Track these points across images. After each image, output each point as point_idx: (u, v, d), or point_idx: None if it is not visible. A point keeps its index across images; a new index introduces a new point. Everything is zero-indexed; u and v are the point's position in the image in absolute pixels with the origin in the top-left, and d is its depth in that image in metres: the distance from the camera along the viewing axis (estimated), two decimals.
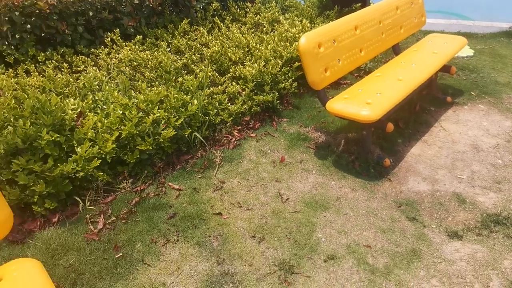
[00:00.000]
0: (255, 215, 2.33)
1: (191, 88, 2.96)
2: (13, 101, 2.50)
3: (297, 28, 3.86)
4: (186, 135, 2.76)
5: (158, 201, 2.42)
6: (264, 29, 4.11)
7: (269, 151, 2.89)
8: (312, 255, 2.09)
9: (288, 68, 3.44)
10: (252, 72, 3.21)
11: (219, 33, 4.02)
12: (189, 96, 2.87)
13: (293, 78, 3.44)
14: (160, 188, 2.52)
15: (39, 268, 1.49)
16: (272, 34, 3.85)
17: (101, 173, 2.42)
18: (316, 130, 3.12)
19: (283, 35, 3.78)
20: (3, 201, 1.50)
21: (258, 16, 4.37)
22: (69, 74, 3.24)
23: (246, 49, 3.64)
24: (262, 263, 2.04)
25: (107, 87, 2.79)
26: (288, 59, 3.48)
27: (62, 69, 3.30)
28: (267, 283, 1.94)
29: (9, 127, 2.35)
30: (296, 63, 3.46)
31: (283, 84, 3.34)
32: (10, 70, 3.22)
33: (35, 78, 2.99)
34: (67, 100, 2.58)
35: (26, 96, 2.56)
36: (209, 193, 2.50)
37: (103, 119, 2.51)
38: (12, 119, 2.39)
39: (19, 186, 2.26)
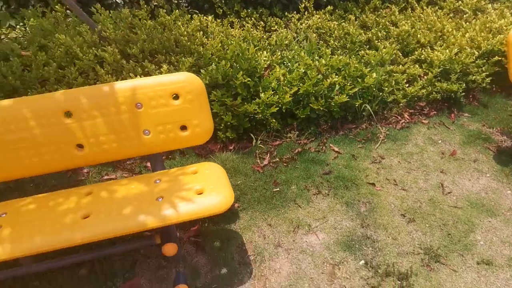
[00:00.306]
0: (410, 197, 2.34)
1: (372, 62, 3.04)
2: (219, 45, 3.04)
3: (506, 19, 3.47)
4: (356, 105, 2.88)
5: (317, 156, 2.66)
6: (465, 16, 3.82)
7: (439, 141, 2.78)
8: (464, 253, 2.01)
9: (484, 61, 3.16)
10: (440, 58, 3.08)
11: (411, 14, 3.93)
12: (368, 69, 2.96)
13: (487, 72, 3.15)
14: (321, 147, 2.74)
15: (224, 173, 1.88)
16: (474, 23, 3.55)
17: (274, 120, 2.78)
18: (501, 134, 2.83)
19: (487, 25, 3.45)
20: (209, 115, 1.92)
21: (459, 1, 4.06)
22: (263, 31, 3.71)
23: (439, 34, 3.48)
24: (406, 241, 2.07)
25: (296, 47, 3.11)
26: (486, 51, 3.19)
27: (258, 27, 3.79)
28: (408, 260, 1.97)
29: (213, 65, 2.89)
30: (496, 57, 3.15)
31: (473, 77, 3.10)
32: (218, 20, 3.87)
33: (237, 30, 3.53)
34: (260, 52, 3.00)
35: (230, 43, 3.08)
36: (366, 163, 2.60)
37: (287, 74, 2.84)
38: (216, 59, 2.93)
39: (212, 114, 2.79)
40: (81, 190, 1.80)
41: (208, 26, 3.48)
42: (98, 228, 1.58)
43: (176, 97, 1.82)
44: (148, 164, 2.71)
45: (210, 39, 3.24)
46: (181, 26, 3.22)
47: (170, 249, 1.76)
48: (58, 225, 1.59)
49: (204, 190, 1.73)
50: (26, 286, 1.92)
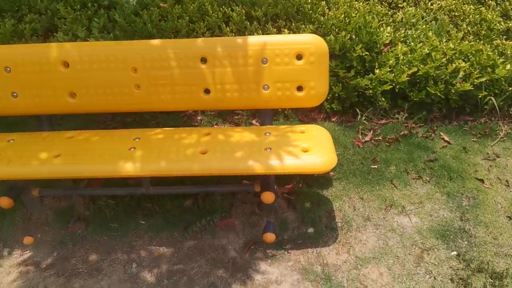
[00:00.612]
0: None
1: (508, 53, 2.81)
2: (342, 16, 3.07)
3: None
4: (479, 97, 2.72)
5: (424, 142, 2.61)
6: None
7: None
8: None
9: None
10: None
11: None
12: (501, 60, 2.75)
13: None
14: (430, 133, 2.68)
15: (330, 137, 2.00)
16: None
17: (383, 99, 2.77)
18: None
19: None
20: (327, 79, 2.02)
21: None
22: (388, 7, 3.62)
23: None
24: (508, 244, 1.99)
25: (424, 26, 3.01)
26: None
27: (383, 2, 3.70)
28: (506, 262, 1.91)
29: (331, 35, 2.95)
30: None
31: None
32: None
33: (361, 3, 3.50)
34: (383, 28, 2.96)
35: (354, 15, 3.09)
36: (478, 158, 2.49)
37: (408, 52, 2.79)
38: (336, 29, 2.98)
39: None
40: (202, 130, 2.07)
41: None
42: (213, 163, 1.83)
43: (299, 57, 1.95)
44: (253, 121, 2.94)
45: (333, 9, 3.29)
46: None
47: (268, 197, 1.95)
48: (180, 155, 1.88)
49: (310, 149, 1.86)
50: (139, 205, 2.31)
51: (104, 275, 1.98)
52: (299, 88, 2.02)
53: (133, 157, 1.87)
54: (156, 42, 1.98)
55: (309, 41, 1.91)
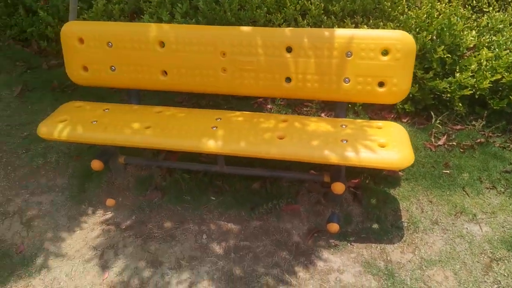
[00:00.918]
0: None
1: None
2: (424, 16, 3.03)
3: None
4: None
5: (500, 152, 2.54)
6: None
7: None
8: None
9: None
10: None
11: None
12: None
13: None
14: (508, 144, 2.60)
15: (407, 135, 2.02)
16: None
17: (461, 104, 2.72)
18: None
19: None
20: (410, 77, 2.03)
21: None
22: (471, 11, 3.51)
23: None
24: None
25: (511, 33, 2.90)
26: None
27: (467, 6, 3.59)
28: None
29: (411, 34, 2.93)
30: None
31: None
32: None
33: (443, 4, 3.43)
34: (468, 31, 2.89)
35: (436, 16, 3.04)
36: None
37: (493, 59, 2.70)
38: (417, 29, 2.95)
39: None
40: (279, 117, 2.17)
41: None
42: (290, 149, 1.93)
43: (385, 53, 1.99)
44: (322, 115, 3.00)
45: (415, 9, 3.25)
46: None
47: (339, 187, 2.02)
48: (259, 138, 1.99)
49: (387, 145, 1.90)
50: (211, 182, 2.46)
51: (177, 242, 2.15)
52: (381, 84, 2.05)
53: (215, 136, 2.01)
54: (246, 29, 2.09)
55: (397, 37, 1.93)
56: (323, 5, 3.20)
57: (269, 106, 3.06)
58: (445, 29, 2.80)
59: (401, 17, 3.09)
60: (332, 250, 2.10)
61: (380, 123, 2.09)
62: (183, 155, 2.57)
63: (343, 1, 3.20)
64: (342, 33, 2.01)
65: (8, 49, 3.71)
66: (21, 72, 3.43)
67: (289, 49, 2.08)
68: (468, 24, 3.17)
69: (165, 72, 2.24)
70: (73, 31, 2.21)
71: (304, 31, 2.04)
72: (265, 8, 3.20)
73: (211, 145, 1.98)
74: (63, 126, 2.08)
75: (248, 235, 2.19)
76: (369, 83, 2.04)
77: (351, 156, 1.87)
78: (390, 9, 3.18)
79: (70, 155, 2.65)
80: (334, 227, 2.13)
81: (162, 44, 2.18)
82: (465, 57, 2.76)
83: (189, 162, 2.44)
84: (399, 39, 1.93)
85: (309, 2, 3.19)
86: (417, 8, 3.25)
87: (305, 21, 3.13)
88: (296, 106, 3.04)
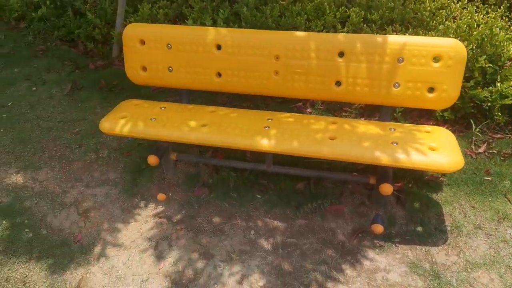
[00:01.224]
0: None
1: None
2: (465, 26, 3.10)
3: None
4: None
5: None
6: None
7: None
8: None
9: None
10: None
11: None
12: None
13: None
14: None
15: (455, 140, 2.10)
16: None
17: (500, 114, 2.77)
18: None
19: None
20: (460, 83, 2.11)
21: None
22: (509, 22, 3.57)
23: None
24: None
25: None
26: None
27: (504, 17, 3.65)
28: None
29: None
30: None
31: None
32: (461, 2, 3.86)
33: (481, 16, 3.49)
34: (510, 42, 2.95)
35: (476, 27, 3.11)
36: None
37: None
38: (457, 38, 3.01)
39: None
40: (328, 119, 2.26)
41: (451, 7, 3.54)
42: (341, 149, 2.01)
43: (436, 59, 2.07)
44: (362, 119, 3.08)
45: (450, 19, 3.32)
46: (426, 1, 3.38)
47: (387, 188, 2.09)
48: (310, 138, 2.09)
49: (437, 149, 1.98)
50: (256, 181, 2.55)
51: (226, 236, 2.25)
52: (430, 90, 2.13)
53: (268, 135, 2.11)
54: (301, 33, 2.20)
55: (450, 45, 2.01)
56: (363, 13, 3.31)
57: (308, 110, 3.16)
58: (485, 39, 2.87)
59: (440, 26, 3.17)
60: (377, 250, 2.17)
61: (428, 127, 2.17)
62: (228, 154, 2.68)
63: (382, 9, 3.29)
64: (395, 40, 2.10)
65: (56, 50, 3.90)
66: (69, 71, 3.60)
67: (341, 54, 2.18)
68: (509, 35, 3.23)
69: (219, 74, 2.35)
70: (135, 32, 2.36)
71: (357, 37, 2.14)
72: (305, 15, 3.32)
73: (265, 144, 2.08)
74: (124, 122, 2.21)
75: (294, 233, 2.27)
76: (418, 89, 2.12)
77: (403, 158, 1.94)
78: (428, 19, 3.26)
79: (121, 151, 2.78)
80: (378, 228, 2.19)
81: (218, 47, 2.30)
82: (506, 67, 2.82)
83: (237, 161, 2.54)
84: (452, 47, 2.01)
85: (350, 10, 3.29)
86: (457, 18, 3.32)
87: (345, 29, 3.23)
88: (335, 111, 3.12)
